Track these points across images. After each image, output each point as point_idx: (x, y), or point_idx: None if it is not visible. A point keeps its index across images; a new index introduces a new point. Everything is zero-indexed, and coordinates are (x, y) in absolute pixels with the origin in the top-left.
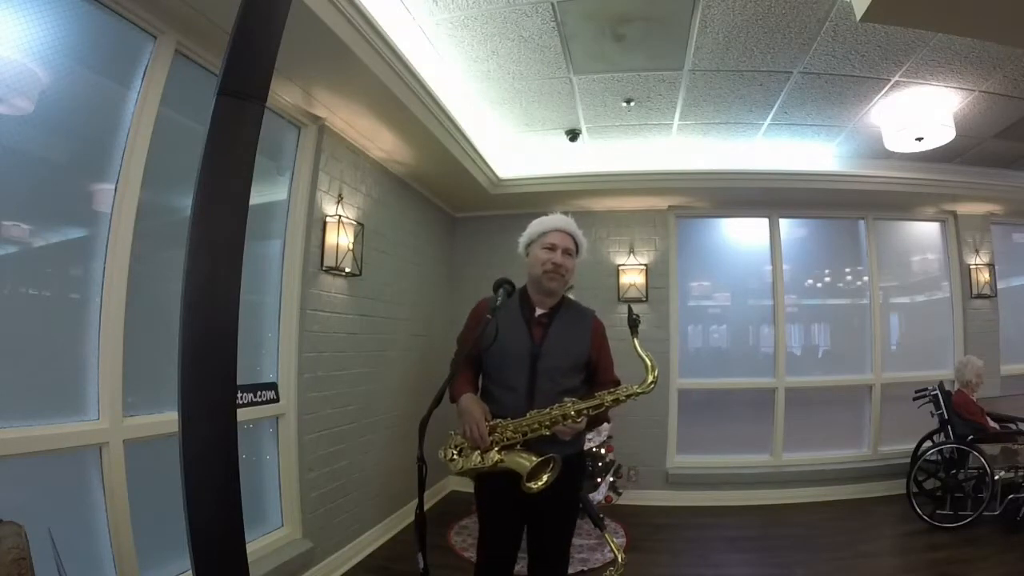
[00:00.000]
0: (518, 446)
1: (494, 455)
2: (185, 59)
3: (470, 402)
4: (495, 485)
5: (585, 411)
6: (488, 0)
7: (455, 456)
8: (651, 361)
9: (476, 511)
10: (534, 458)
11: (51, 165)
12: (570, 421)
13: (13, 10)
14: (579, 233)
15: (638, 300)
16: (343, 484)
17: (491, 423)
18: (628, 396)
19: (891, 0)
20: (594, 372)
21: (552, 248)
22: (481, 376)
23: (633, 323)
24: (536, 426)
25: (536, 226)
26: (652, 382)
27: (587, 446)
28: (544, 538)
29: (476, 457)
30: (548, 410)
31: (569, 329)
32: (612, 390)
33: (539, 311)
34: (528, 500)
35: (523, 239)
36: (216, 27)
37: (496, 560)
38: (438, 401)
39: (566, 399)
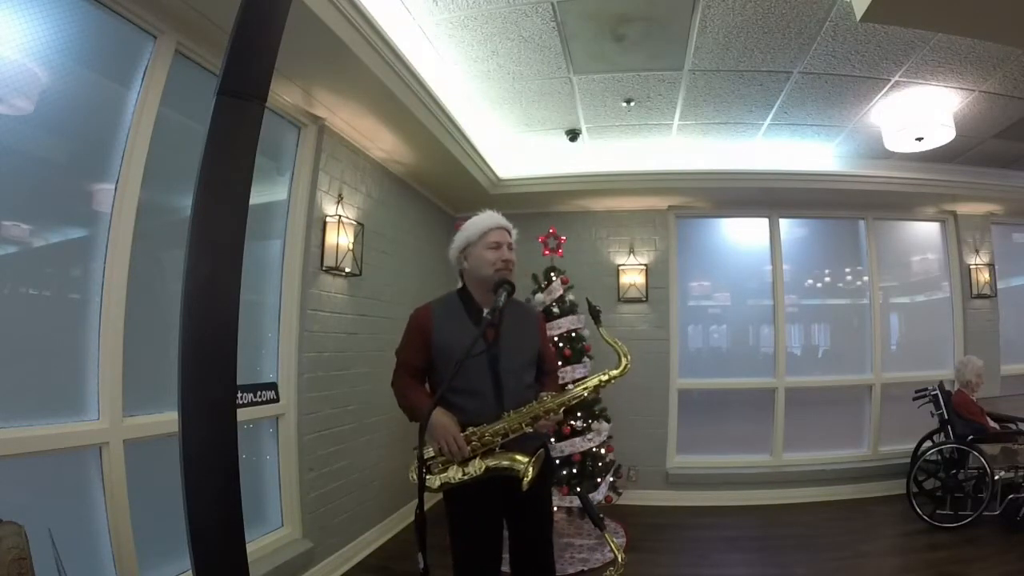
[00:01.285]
0: (496, 449)
1: (478, 463)
2: (185, 59)
3: (440, 415)
4: (470, 495)
5: (566, 403)
6: (488, 0)
7: (428, 474)
8: (620, 346)
9: (449, 528)
10: (519, 457)
11: (51, 165)
12: (551, 415)
13: (13, 10)
14: (512, 227)
15: (638, 300)
16: (343, 484)
17: (464, 433)
18: (607, 381)
19: (891, 0)
20: (541, 364)
21: (498, 246)
22: (429, 386)
23: (595, 313)
24: (517, 426)
25: (473, 227)
26: (626, 365)
27: (587, 446)
28: (528, 539)
29: (455, 471)
30: (527, 409)
31: (519, 325)
32: (589, 378)
33: (487, 311)
34: (506, 503)
35: (457, 243)
36: (216, 27)
37: (487, 571)
38: (437, 402)
39: (543, 395)
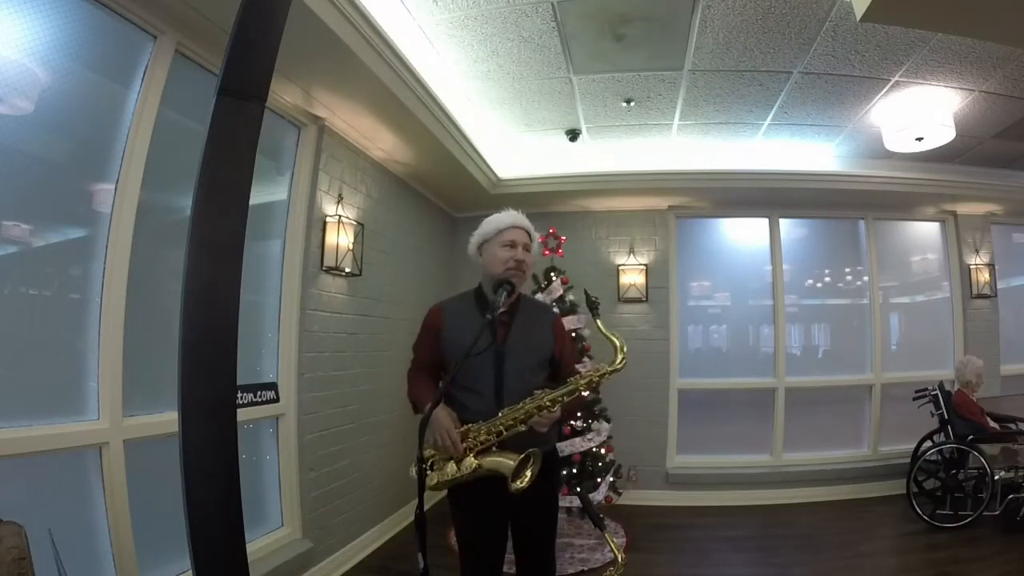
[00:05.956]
0: (493, 448)
1: (471, 461)
2: (185, 59)
3: (439, 411)
4: (474, 494)
5: (560, 399)
6: (488, 0)
7: (428, 471)
8: (618, 340)
9: (454, 527)
10: (514, 456)
11: (51, 165)
12: (545, 412)
13: (13, 10)
14: (532, 228)
15: (638, 300)
16: (343, 484)
17: (461, 429)
18: (601, 376)
19: (891, 0)
20: (558, 367)
21: (512, 245)
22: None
23: (592, 305)
24: (511, 423)
25: (491, 224)
26: (622, 360)
27: (587, 446)
28: (530, 539)
29: (451, 467)
30: (521, 405)
31: (531, 325)
32: (583, 373)
33: (487, 313)
34: (510, 503)
35: (475, 239)
36: (216, 27)
37: (487, 571)
38: (437, 402)
39: (537, 391)
